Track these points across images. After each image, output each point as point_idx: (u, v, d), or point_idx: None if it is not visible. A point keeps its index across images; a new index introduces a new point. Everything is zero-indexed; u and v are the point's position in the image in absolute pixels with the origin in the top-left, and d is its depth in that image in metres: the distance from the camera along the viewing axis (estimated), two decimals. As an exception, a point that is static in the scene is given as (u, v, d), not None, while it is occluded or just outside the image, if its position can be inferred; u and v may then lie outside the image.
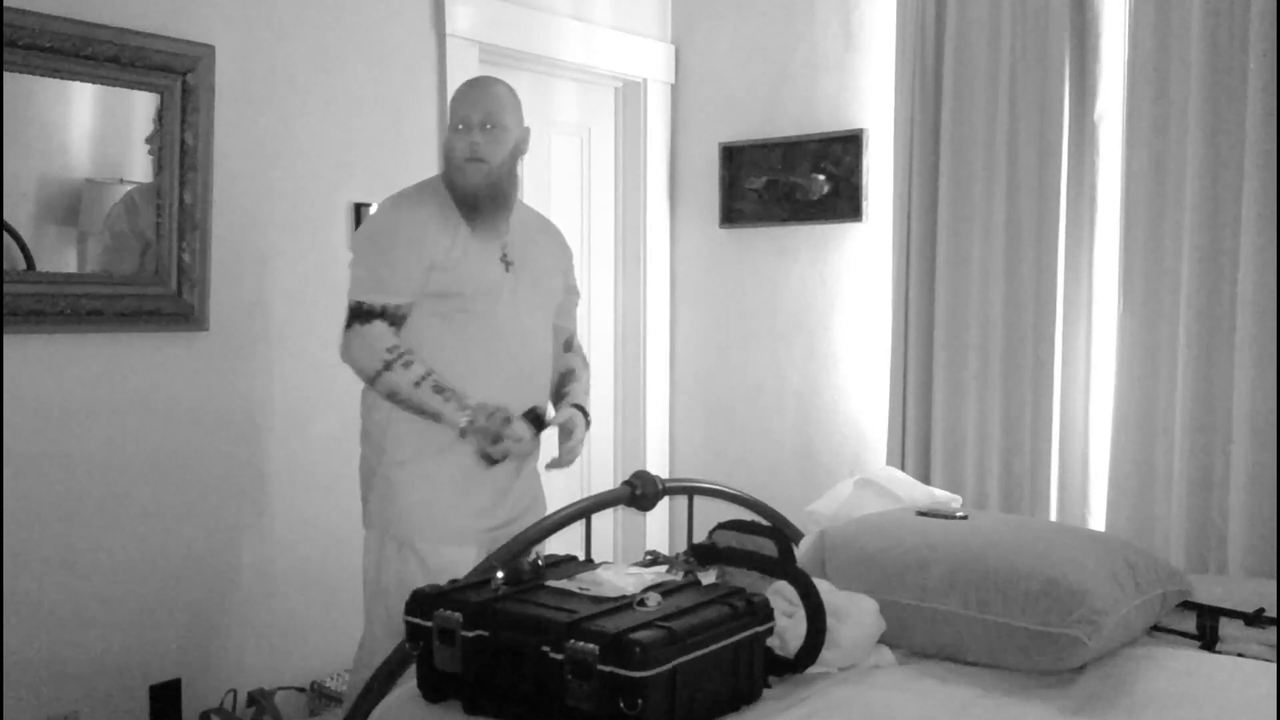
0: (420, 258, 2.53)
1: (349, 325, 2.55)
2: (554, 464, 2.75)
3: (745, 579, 2.36)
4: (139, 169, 2.92)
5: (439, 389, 2.50)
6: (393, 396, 2.53)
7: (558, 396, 2.83)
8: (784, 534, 2.57)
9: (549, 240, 2.83)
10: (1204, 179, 3.07)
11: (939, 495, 2.87)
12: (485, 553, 2.59)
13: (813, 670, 2.13)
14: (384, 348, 2.51)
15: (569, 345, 2.89)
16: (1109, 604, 2.21)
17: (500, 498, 2.65)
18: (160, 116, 2.92)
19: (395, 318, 2.54)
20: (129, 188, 2.92)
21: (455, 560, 2.52)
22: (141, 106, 2.90)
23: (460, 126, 2.59)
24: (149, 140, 2.92)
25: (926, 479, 3.53)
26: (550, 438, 2.76)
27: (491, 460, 2.58)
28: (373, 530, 2.64)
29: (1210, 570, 3.06)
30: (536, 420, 2.64)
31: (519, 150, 2.65)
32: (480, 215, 2.59)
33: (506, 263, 2.64)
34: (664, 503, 2.97)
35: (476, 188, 2.57)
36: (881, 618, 2.29)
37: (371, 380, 2.54)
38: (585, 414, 2.81)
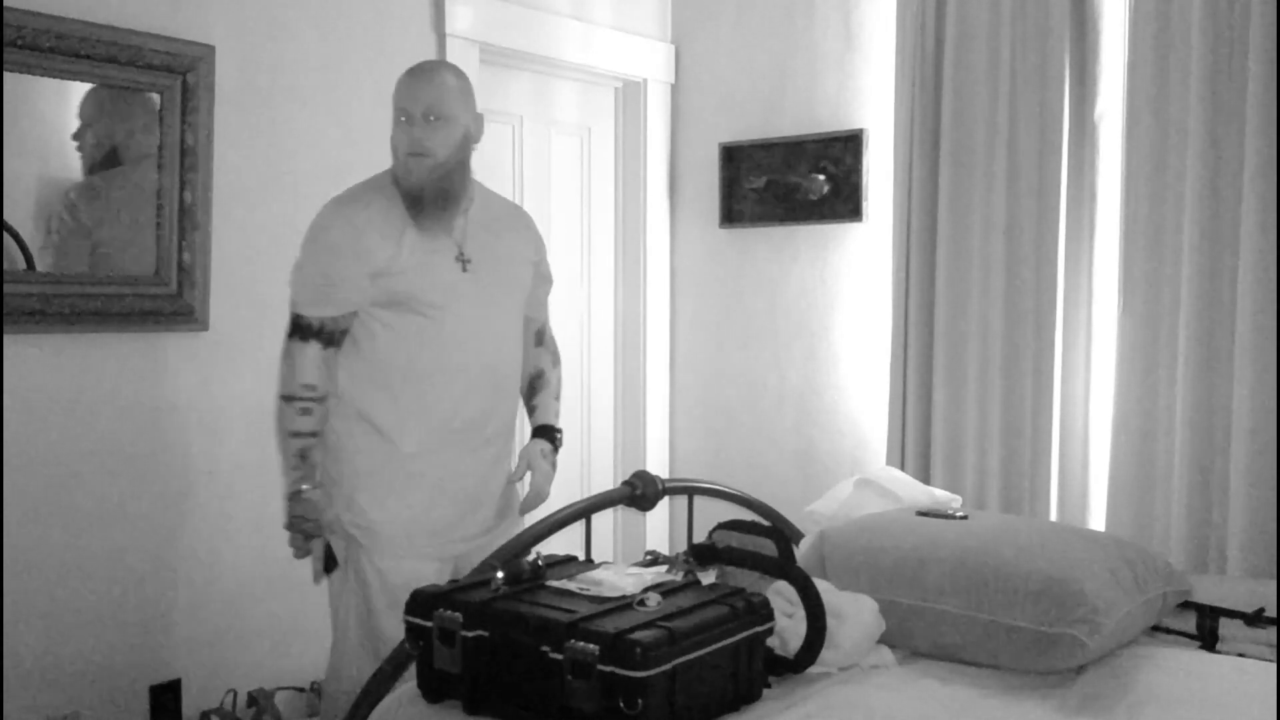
0: (360, 266, 2.40)
1: (289, 336, 2.46)
2: (523, 509, 2.68)
3: (745, 579, 2.36)
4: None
5: (302, 456, 2.43)
6: (277, 422, 2.47)
7: (528, 407, 2.74)
8: (784, 534, 2.56)
9: (515, 230, 2.67)
10: (1204, 179, 3.07)
11: (939, 495, 2.87)
12: (451, 569, 2.52)
13: (813, 670, 2.13)
14: (301, 381, 2.42)
15: (540, 338, 2.76)
16: (1109, 604, 2.21)
17: (468, 512, 2.55)
18: (160, 116, 2.91)
19: (333, 335, 2.44)
20: (66, 188, 2.82)
21: (418, 576, 2.40)
22: (72, 102, 2.79)
23: (402, 119, 2.45)
24: (76, 137, 2.81)
25: (926, 479, 3.53)
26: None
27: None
28: (335, 541, 2.51)
29: (1210, 570, 3.06)
30: (328, 560, 2.50)
31: (470, 140, 2.52)
32: (426, 213, 2.45)
33: (463, 262, 2.50)
34: (664, 503, 2.97)
35: (421, 184, 2.43)
36: (881, 618, 2.29)
37: (277, 397, 2.46)
38: (553, 434, 2.71)
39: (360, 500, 2.47)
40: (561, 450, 4.11)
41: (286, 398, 2.44)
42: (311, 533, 2.46)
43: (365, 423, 2.48)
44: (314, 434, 2.45)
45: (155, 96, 2.89)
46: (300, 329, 2.44)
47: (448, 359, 2.47)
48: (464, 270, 2.50)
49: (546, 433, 2.72)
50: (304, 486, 2.45)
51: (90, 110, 2.83)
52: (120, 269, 2.89)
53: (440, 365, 2.47)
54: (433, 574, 2.46)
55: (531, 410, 2.75)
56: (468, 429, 2.52)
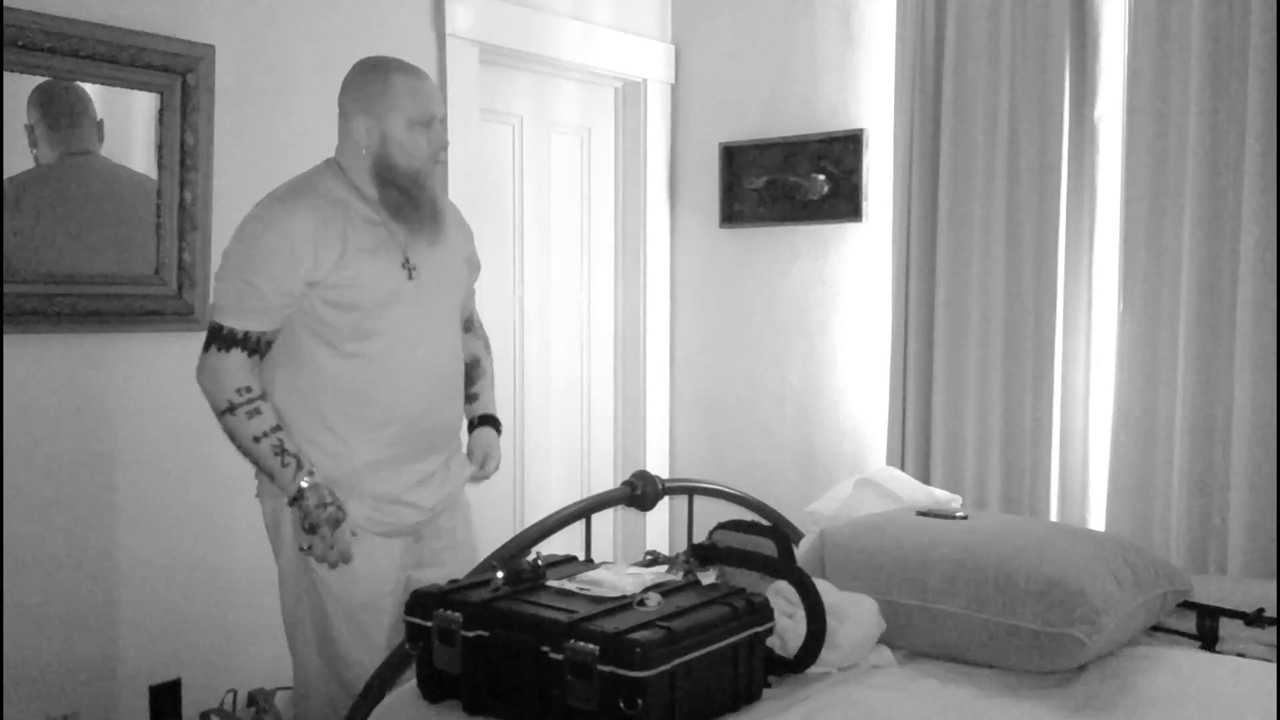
0: (294, 280, 2.29)
1: (206, 347, 2.32)
2: (477, 478, 2.69)
3: (745, 579, 2.36)
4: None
5: (279, 451, 2.28)
6: (231, 440, 2.34)
7: (467, 394, 2.69)
8: (784, 534, 2.57)
9: (453, 225, 2.57)
10: (1204, 179, 3.07)
11: (939, 495, 2.87)
12: (405, 580, 2.46)
13: (813, 670, 2.13)
14: (233, 388, 2.28)
15: (468, 324, 2.71)
16: (1109, 604, 2.21)
17: (421, 520, 2.48)
18: (160, 116, 2.91)
19: (257, 345, 2.32)
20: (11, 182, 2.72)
21: (374, 590, 2.40)
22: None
23: (423, 123, 2.37)
24: (29, 136, 2.72)
25: (926, 479, 3.53)
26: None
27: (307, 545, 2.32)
28: (283, 553, 2.43)
29: (1210, 570, 3.06)
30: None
31: None
32: (438, 224, 2.42)
33: (409, 268, 2.40)
34: (664, 503, 2.97)
35: (435, 191, 2.41)
36: (881, 618, 2.29)
37: (212, 406, 2.33)
38: (497, 424, 2.73)
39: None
40: (561, 450, 4.15)
41: (227, 410, 2.30)
42: (339, 517, 2.30)
43: (312, 442, 2.37)
44: (277, 427, 2.31)
45: (96, 88, 2.82)
46: (220, 338, 2.31)
47: (400, 370, 2.39)
48: (410, 277, 2.40)
49: (492, 422, 2.74)
50: (304, 482, 2.29)
51: (38, 105, 2.74)
52: (120, 269, 2.89)
53: (392, 377, 2.38)
54: (389, 588, 2.42)
55: (472, 398, 2.71)
56: (416, 438, 2.44)
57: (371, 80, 2.39)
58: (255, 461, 2.34)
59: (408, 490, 2.43)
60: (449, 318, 2.52)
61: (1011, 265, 3.44)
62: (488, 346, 2.78)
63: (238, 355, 2.30)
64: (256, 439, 2.29)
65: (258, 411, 2.30)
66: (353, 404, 2.37)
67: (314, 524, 2.29)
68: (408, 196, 2.39)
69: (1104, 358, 3.35)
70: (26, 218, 2.73)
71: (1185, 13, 3.10)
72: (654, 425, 4.29)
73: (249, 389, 2.30)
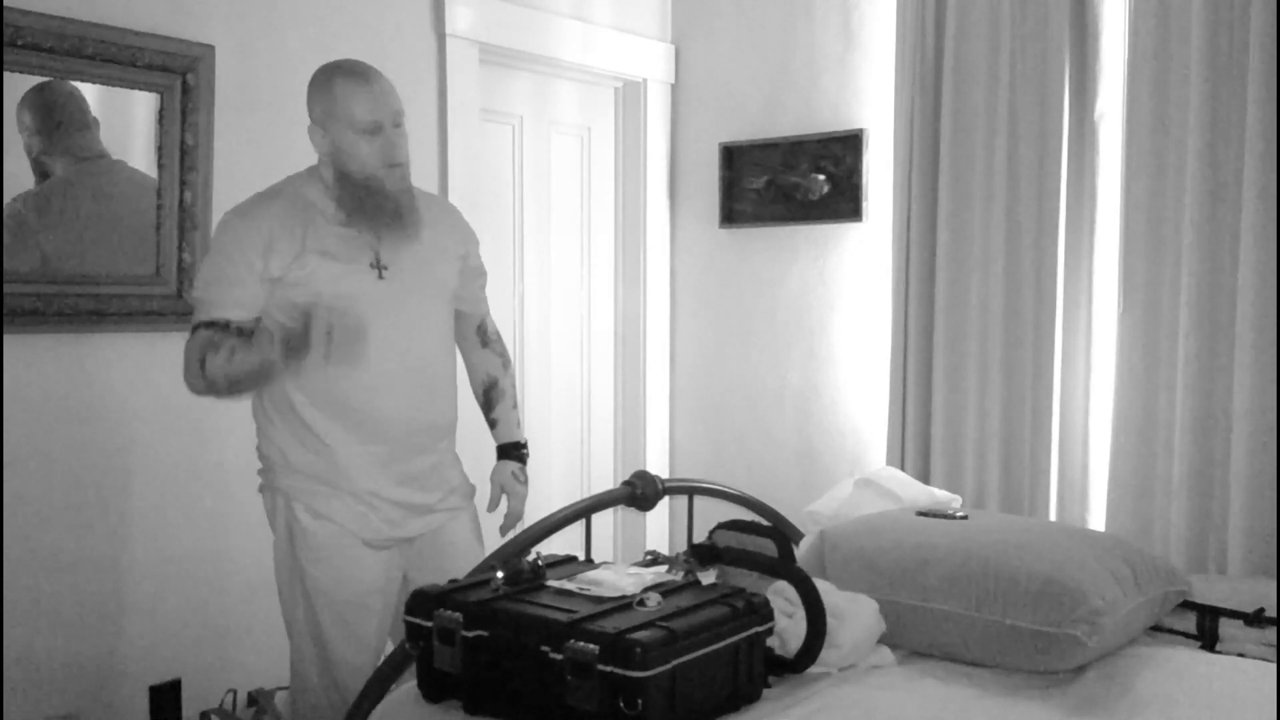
0: (250, 275, 2.30)
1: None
2: (502, 530, 2.65)
3: (745, 579, 2.36)
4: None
5: (244, 342, 2.28)
6: (224, 381, 2.30)
7: (488, 420, 2.69)
8: (784, 534, 2.57)
9: (438, 225, 2.54)
10: (1204, 178, 3.07)
11: (939, 495, 2.88)
12: (400, 580, 2.49)
13: (813, 670, 2.13)
14: (197, 344, 2.31)
15: (483, 334, 2.68)
16: (1109, 604, 2.21)
17: (411, 516, 2.47)
18: (160, 116, 2.91)
19: (227, 329, 2.33)
20: (14, 198, 2.71)
21: (361, 588, 2.41)
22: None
23: (367, 131, 2.33)
24: (28, 151, 2.70)
25: (926, 479, 3.53)
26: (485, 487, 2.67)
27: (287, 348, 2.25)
28: (279, 548, 2.45)
29: (1210, 570, 3.06)
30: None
31: None
32: (402, 226, 2.37)
33: (380, 268, 2.39)
34: (664, 503, 2.97)
35: (400, 195, 2.36)
36: (881, 618, 2.29)
37: (200, 383, 2.32)
38: (520, 452, 2.68)
39: (298, 512, 2.40)
40: (562, 450, 4.14)
41: (200, 363, 2.28)
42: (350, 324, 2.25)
43: (293, 438, 2.40)
44: (235, 335, 2.30)
45: (95, 88, 2.82)
46: (194, 329, 2.35)
47: (376, 367, 2.37)
48: (380, 278, 2.39)
49: (514, 451, 2.69)
50: (287, 323, 2.26)
51: (29, 113, 2.72)
52: (120, 269, 2.89)
53: (369, 374, 2.37)
54: (379, 586, 2.44)
55: (493, 424, 2.70)
56: (396, 438, 2.43)
57: (319, 89, 2.40)
58: (245, 372, 2.29)
59: (390, 488, 2.43)
60: (431, 317, 2.50)
61: (1011, 265, 3.44)
62: (506, 364, 2.72)
63: (202, 332, 2.32)
64: (229, 357, 2.27)
65: (218, 344, 2.28)
66: (326, 402, 2.38)
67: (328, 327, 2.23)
68: (369, 195, 2.36)
69: (1104, 358, 3.35)
70: (53, 218, 2.75)
71: (1185, 13, 3.10)
72: (654, 425, 4.29)
73: (210, 337, 2.30)
